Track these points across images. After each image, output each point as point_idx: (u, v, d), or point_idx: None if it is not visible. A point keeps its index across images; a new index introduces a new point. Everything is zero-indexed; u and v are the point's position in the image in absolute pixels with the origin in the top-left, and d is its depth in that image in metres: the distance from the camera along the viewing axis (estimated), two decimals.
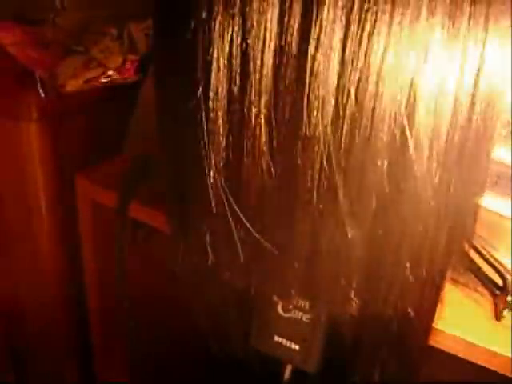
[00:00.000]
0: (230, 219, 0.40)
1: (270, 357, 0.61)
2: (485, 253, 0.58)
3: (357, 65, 0.33)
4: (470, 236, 0.47)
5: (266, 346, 0.60)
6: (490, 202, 0.62)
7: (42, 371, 0.91)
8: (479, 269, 0.58)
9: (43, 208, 0.74)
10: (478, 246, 0.59)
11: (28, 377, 0.94)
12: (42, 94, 0.67)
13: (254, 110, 0.36)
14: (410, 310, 0.44)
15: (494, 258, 0.58)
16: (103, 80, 0.72)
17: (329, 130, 0.35)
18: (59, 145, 0.72)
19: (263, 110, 0.36)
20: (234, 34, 0.35)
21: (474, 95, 0.36)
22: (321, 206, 0.37)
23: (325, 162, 0.35)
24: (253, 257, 0.43)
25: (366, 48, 0.33)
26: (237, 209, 0.40)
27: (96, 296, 0.77)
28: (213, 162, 0.38)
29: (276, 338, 0.59)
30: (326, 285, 0.42)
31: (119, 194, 0.63)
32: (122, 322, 0.69)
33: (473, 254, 0.59)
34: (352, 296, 0.42)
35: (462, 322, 0.52)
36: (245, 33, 0.34)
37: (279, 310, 0.57)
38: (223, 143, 0.38)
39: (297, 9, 0.33)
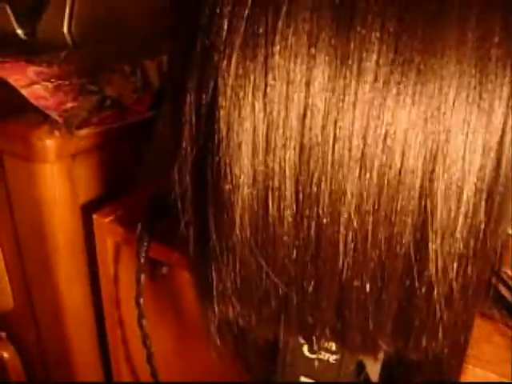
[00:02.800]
0: (256, 270, 0.40)
1: None
2: (509, 281, 0.57)
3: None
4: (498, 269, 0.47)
5: None
6: None
7: None
8: (503, 297, 0.57)
9: (61, 250, 0.74)
10: (502, 275, 0.58)
11: None
12: (58, 136, 0.67)
13: (279, 166, 0.36)
14: (440, 352, 0.43)
15: None
16: (118, 119, 0.72)
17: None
18: (75, 184, 0.72)
19: (289, 167, 0.36)
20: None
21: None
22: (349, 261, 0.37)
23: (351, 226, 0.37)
24: (280, 308, 0.42)
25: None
26: (263, 263, 0.40)
27: (117, 338, 0.76)
28: (238, 217, 0.38)
29: (303, 379, 0.58)
30: (355, 332, 0.41)
31: (139, 235, 0.62)
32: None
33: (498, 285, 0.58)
34: (381, 343, 0.42)
35: (492, 358, 0.51)
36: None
37: (305, 351, 0.56)
38: (247, 199, 0.38)
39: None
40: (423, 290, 0.39)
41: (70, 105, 0.68)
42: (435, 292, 0.39)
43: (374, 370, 0.58)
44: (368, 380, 0.68)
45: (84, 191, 0.74)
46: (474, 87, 0.34)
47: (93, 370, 0.86)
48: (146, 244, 0.62)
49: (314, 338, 0.43)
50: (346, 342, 0.42)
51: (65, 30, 0.85)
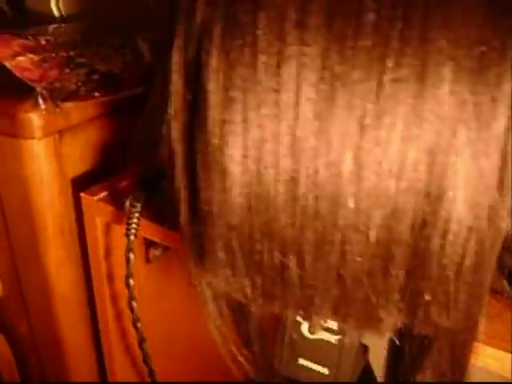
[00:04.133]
0: (251, 236, 0.37)
1: (297, 381, 0.57)
2: None
3: None
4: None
5: (291, 370, 0.56)
6: None
7: None
8: None
9: (49, 229, 0.70)
10: None
11: None
12: (44, 110, 0.64)
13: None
14: (451, 326, 0.40)
15: None
16: (107, 93, 0.69)
17: None
18: (63, 162, 0.68)
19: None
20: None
21: None
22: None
23: None
24: (276, 278, 0.39)
25: None
26: (257, 226, 0.37)
27: (108, 319, 0.73)
28: (231, 178, 0.36)
29: (301, 361, 0.55)
30: (357, 303, 0.38)
31: (127, 211, 0.59)
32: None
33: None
34: (386, 315, 0.38)
35: (504, 336, 0.48)
36: None
37: (304, 331, 0.53)
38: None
39: None
40: (434, 255, 0.36)
41: (56, 77, 0.64)
42: (447, 259, 0.36)
43: (378, 355, 0.55)
44: (370, 370, 0.65)
45: (73, 169, 0.71)
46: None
47: (86, 356, 0.83)
48: (135, 221, 0.59)
49: (312, 313, 0.40)
50: (347, 316, 0.39)
51: (52, 4, 0.82)
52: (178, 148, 0.41)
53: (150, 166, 0.63)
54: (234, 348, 0.50)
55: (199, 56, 0.37)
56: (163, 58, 0.42)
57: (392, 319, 0.38)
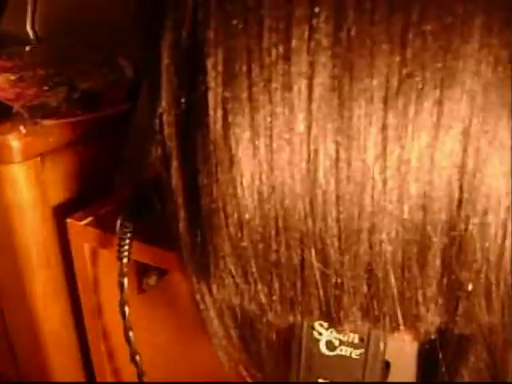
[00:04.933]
0: (264, 232, 0.33)
1: None
2: None
3: None
4: None
5: None
6: None
7: None
8: None
9: (34, 260, 0.65)
10: None
11: None
12: (23, 132, 0.59)
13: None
14: (495, 325, 0.36)
15: None
16: (89, 111, 0.65)
17: None
18: (45, 187, 0.64)
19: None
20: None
21: None
22: None
23: None
24: (295, 278, 0.34)
25: None
26: (272, 222, 0.33)
27: (101, 354, 0.67)
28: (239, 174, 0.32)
29: (321, 382, 0.50)
30: (395, 302, 0.33)
31: (119, 232, 0.54)
32: None
33: None
34: (427, 312, 0.34)
35: None
36: None
37: (322, 348, 0.48)
38: None
39: None
40: (474, 238, 0.32)
41: (34, 95, 0.60)
42: (488, 242, 0.32)
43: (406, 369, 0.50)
44: None
45: (56, 195, 0.66)
46: None
47: None
48: (127, 242, 0.54)
49: (340, 318, 0.35)
50: (380, 317, 0.34)
51: (28, 27, 0.78)
52: (173, 144, 0.37)
53: (139, 184, 0.58)
54: (243, 370, 0.45)
55: (194, 33, 0.33)
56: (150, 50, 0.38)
57: (430, 316, 0.34)
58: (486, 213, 0.32)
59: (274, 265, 0.34)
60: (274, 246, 0.33)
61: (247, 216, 0.33)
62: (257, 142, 0.32)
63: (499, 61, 0.30)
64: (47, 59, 0.67)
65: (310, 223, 0.32)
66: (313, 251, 0.33)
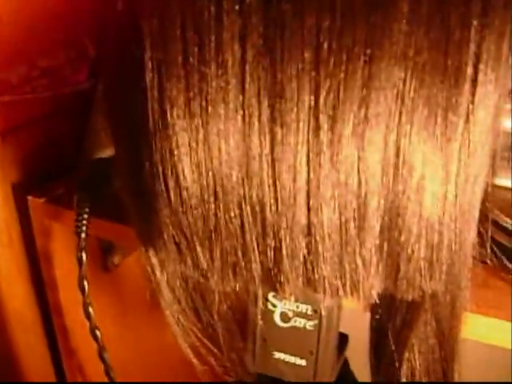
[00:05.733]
0: (203, 195, 0.33)
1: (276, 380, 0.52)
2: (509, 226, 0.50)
3: None
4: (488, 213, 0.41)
5: (266, 366, 0.51)
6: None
7: None
8: (503, 245, 0.50)
9: None
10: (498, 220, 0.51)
11: None
12: None
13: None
14: (436, 288, 0.36)
15: None
16: (50, 88, 0.64)
17: None
18: (6, 166, 0.63)
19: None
20: None
21: None
22: None
23: None
24: (238, 246, 0.35)
25: None
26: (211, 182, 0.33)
27: (66, 331, 0.67)
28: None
29: (277, 355, 0.50)
30: (335, 266, 0.34)
31: (76, 207, 0.54)
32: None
33: (494, 232, 0.51)
34: (367, 276, 0.34)
35: (493, 304, 0.44)
36: None
37: (277, 320, 0.48)
38: None
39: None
40: (411, 207, 0.32)
41: None
42: (425, 212, 0.33)
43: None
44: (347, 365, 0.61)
45: (17, 173, 0.65)
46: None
47: (46, 376, 0.77)
48: (85, 216, 0.54)
49: (280, 281, 0.35)
50: (320, 281, 0.34)
51: None
52: (117, 111, 0.37)
53: (97, 160, 0.58)
54: (197, 342, 0.45)
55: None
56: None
57: (371, 280, 0.34)
58: (423, 177, 0.32)
59: (214, 230, 0.34)
60: (213, 211, 0.33)
61: (185, 181, 0.33)
62: (192, 106, 0.32)
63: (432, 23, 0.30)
64: (5, 37, 0.66)
65: (246, 187, 0.32)
66: (251, 216, 0.33)
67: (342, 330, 0.53)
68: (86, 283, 0.55)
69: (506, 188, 0.63)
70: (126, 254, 0.72)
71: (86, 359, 0.71)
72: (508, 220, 0.51)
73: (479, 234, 0.42)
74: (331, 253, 0.33)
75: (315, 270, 0.34)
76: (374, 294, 0.35)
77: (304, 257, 0.33)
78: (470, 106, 0.32)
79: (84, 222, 0.54)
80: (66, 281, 0.65)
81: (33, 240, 0.65)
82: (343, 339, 0.54)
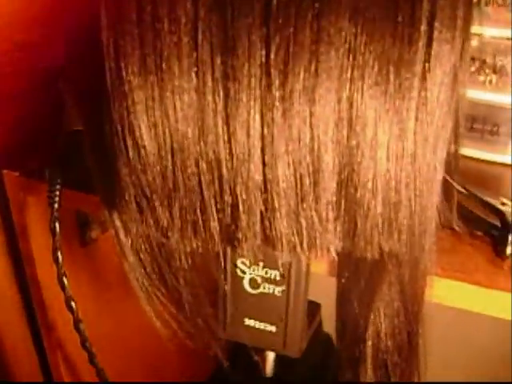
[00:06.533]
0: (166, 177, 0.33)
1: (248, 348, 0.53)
2: (478, 194, 0.51)
3: None
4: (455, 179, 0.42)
5: (237, 334, 0.52)
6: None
7: None
8: (471, 212, 0.50)
9: None
10: (468, 189, 0.52)
11: None
12: None
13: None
14: (394, 248, 0.36)
15: (486, 200, 0.51)
16: (25, 63, 0.64)
17: None
18: None
19: None
20: None
21: None
22: None
23: None
24: (196, 204, 0.35)
25: None
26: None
27: (43, 304, 0.67)
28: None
29: (247, 322, 0.50)
30: (291, 221, 0.34)
31: (49, 178, 0.54)
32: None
33: (463, 199, 0.51)
34: (325, 233, 0.34)
35: (460, 268, 0.45)
36: None
37: (246, 286, 0.49)
38: None
39: None
40: (364, 163, 0.32)
41: None
42: (379, 166, 0.33)
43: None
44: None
45: None
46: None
47: (25, 353, 0.77)
48: (57, 187, 0.54)
49: (238, 238, 0.35)
50: (278, 238, 0.35)
51: None
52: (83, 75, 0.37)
53: (71, 133, 0.58)
54: (161, 307, 0.45)
55: None
56: None
57: (329, 237, 0.35)
58: (377, 133, 0.32)
59: (173, 188, 0.34)
60: (171, 169, 0.34)
61: (142, 139, 0.33)
62: (147, 63, 0.32)
63: None
64: None
65: (202, 144, 0.33)
66: (208, 172, 0.33)
67: (314, 299, 0.53)
68: (59, 254, 0.55)
69: (477, 159, 0.63)
70: (103, 230, 0.72)
71: (64, 334, 0.71)
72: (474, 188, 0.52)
73: (446, 199, 0.43)
74: (287, 209, 0.33)
75: (272, 227, 0.34)
76: (332, 250, 0.36)
77: (261, 213, 0.34)
78: (426, 65, 0.32)
79: (56, 192, 0.54)
80: (42, 255, 0.65)
81: (10, 215, 0.65)
82: (315, 308, 0.55)
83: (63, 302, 0.60)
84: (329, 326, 0.55)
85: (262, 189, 0.33)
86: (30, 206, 0.63)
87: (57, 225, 0.54)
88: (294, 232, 0.34)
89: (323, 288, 0.53)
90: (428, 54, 0.32)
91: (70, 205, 0.57)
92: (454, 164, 0.42)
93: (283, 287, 0.47)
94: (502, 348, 1.00)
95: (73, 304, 0.58)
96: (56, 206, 0.54)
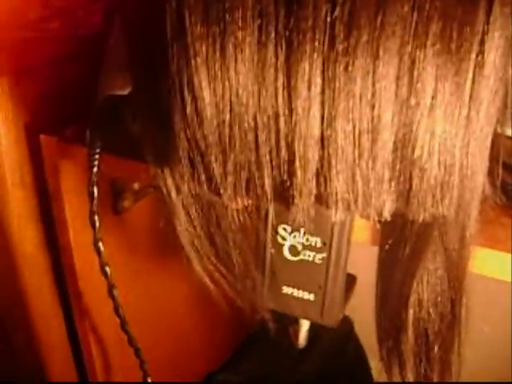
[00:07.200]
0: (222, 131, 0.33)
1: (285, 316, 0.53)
2: None
3: None
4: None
5: (275, 302, 0.52)
6: None
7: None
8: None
9: (8, 181, 0.65)
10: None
11: None
12: None
13: None
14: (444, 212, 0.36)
15: None
16: (65, 29, 0.64)
17: None
18: (19, 106, 0.63)
19: None
20: None
21: None
22: None
23: None
24: (251, 160, 0.35)
25: None
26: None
27: (75, 272, 0.68)
28: None
29: (285, 290, 0.50)
30: (347, 181, 0.34)
31: (88, 142, 0.54)
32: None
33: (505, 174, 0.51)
34: (379, 195, 0.34)
35: (503, 239, 0.44)
36: None
37: (286, 253, 0.49)
38: None
39: None
40: (425, 123, 0.32)
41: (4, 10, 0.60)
42: (437, 126, 0.33)
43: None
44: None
45: (31, 113, 0.65)
46: None
47: (55, 323, 0.78)
48: (97, 150, 0.54)
49: (292, 195, 0.35)
50: (332, 195, 0.34)
51: None
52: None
53: (110, 98, 0.58)
54: (211, 266, 0.45)
55: None
56: None
57: (384, 196, 0.34)
58: (436, 92, 0.32)
59: (229, 142, 0.34)
60: (228, 122, 0.34)
61: (200, 91, 0.33)
62: (210, 13, 0.32)
63: None
64: None
65: (261, 98, 0.33)
66: (265, 127, 0.33)
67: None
68: (96, 218, 0.56)
69: None
70: (136, 199, 0.73)
71: (93, 302, 0.71)
72: None
73: (490, 173, 0.42)
74: (344, 166, 0.33)
75: (328, 184, 0.34)
76: (386, 211, 0.35)
77: (317, 170, 0.34)
78: (486, 26, 0.32)
79: (96, 156, 0.54)
80: (76, 222, 0.65)
81: (45, 182, 0.65)
82: (351, 280, 0.55)
83: (93, 270, 0.60)
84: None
85: (320, 145, 0.33)
86: (65, 172, 0.63)
87: (95, 189, 0.55)
88: (350, 190, 0.34)
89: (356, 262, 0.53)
90: (488, 15, 0.32)
91: (108, 170, 0.57)
92: (498, 138, 0.42)
93: (324, 254, 0.47)
94: None
95: (107, 269, 0.58)
96: (95, 169, 0.54)
